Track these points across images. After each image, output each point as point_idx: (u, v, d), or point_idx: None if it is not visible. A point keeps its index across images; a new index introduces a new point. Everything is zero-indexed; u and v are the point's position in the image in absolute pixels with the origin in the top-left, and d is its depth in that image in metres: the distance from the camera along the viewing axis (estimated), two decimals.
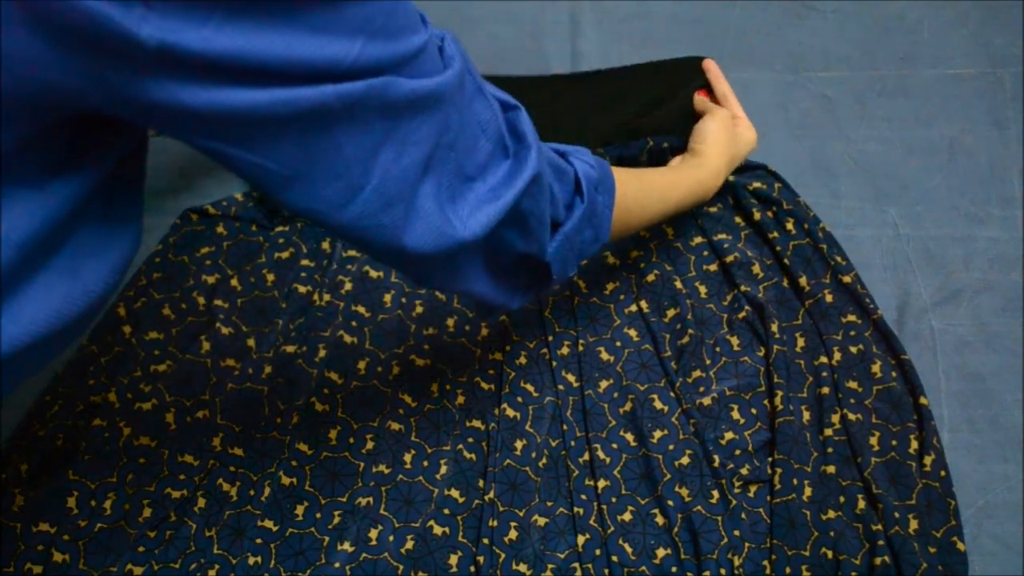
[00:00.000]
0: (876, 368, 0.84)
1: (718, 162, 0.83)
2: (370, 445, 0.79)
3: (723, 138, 0.85)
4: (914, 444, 0.81)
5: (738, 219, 0.93)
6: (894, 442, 0.81)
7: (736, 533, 0.76)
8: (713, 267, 0.90)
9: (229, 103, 0.40)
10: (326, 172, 0.46)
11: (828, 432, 0.80)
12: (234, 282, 0.87)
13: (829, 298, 0.88)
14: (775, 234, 0.90)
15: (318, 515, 0.76)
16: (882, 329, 0.86)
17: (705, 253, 0.91)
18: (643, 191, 0.74)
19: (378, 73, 0.44)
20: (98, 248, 0.46)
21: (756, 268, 0.90)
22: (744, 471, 0.79)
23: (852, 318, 0.87)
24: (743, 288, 0.88)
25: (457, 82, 0.49)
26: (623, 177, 0.69)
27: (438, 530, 0.75)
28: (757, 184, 0.93)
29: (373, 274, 0.89)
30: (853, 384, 0.83)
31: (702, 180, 0.81)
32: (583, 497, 0.78)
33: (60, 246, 0.43)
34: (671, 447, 0.79)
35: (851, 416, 0.81)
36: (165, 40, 0.36)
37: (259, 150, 0.44)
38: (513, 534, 0.75)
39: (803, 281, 0.88)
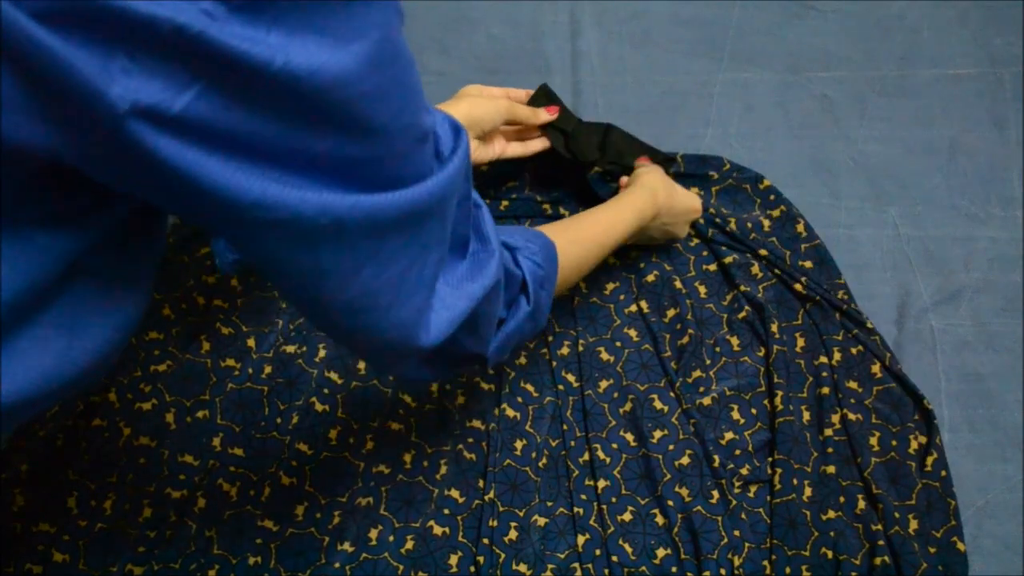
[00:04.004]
0: (876, 368, 0.84)
1: (653, 194, 0.82)
2: (370, 445, 0.79)
3: (657, 179, 0.84)
4: (914, 444, 0.81)
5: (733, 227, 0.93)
6: (894, 442, 0.81)
7: (736, 533, 0.76)
8: (713, 267, 0.90)
9: (209, 174, 0.37)
10: (298, 279, 0.44)
11: (828, 432, 0.80)
12: (234, 282, 0.87)
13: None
14: (765, 251, 0.90)
15: (318, 515, 0.76)
16: (881, 343, 0.86)
17: (705, 253, 0.91)
18: (582, 249, 0.72)
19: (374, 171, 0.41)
20: (100, 307, 0.44)
21: (755, 268, 0.89)
22: (744, 471, 0.79)
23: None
24: (743, 288, 0.88)
25: (451, 185, 0.47)
26: (564, 245, 0.68)
27: (438, 530, 0.75)
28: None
29: None
30: (853, 384, 0.83)
31: (640, 209, 0.80)
32: (583, 497, 0.78)
33: (51, 302, 0.42)
34: (671, 447, 0.79)
35: (851, 416, 0.81)
36: (139, 102, 0.33)
37: (231, 234, 0.41)
38: (513, 534, 0.75)
39: (798, 287, 0.88)
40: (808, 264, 0.90)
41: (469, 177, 0.50)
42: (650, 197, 0.82)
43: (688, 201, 0.87)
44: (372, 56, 0.37)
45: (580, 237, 0.73)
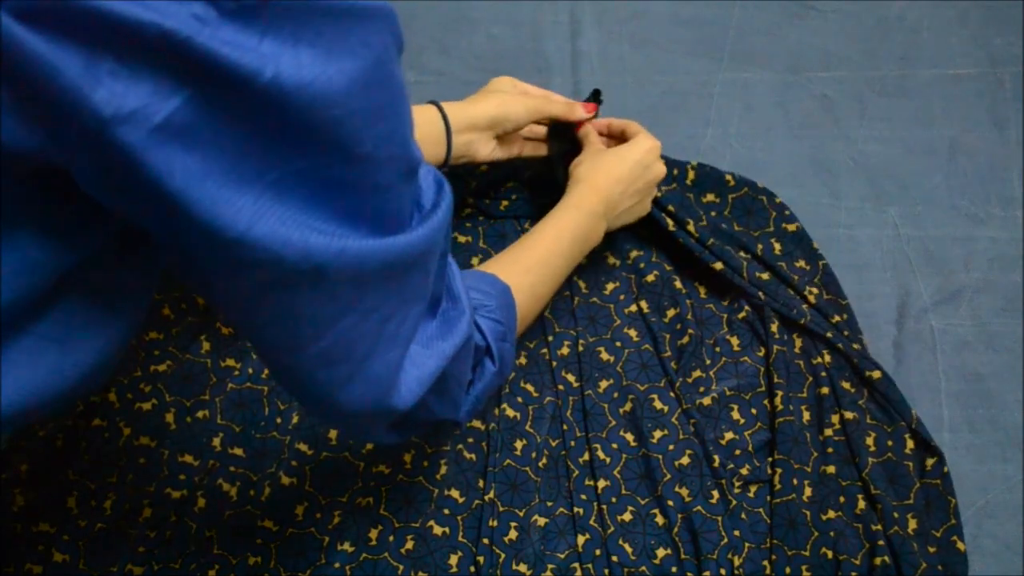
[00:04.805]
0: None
1: (589, 183, 0.78)
2: (370, 445, 0.79)
3: (586, 166, 0.80)
4: (910, 444, 0.81)
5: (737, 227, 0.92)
6: (890, 442, 0.81)
7: (736, 533, 0.76)
8: (713, 267, 0.90)
9: (194, 191, 0.35)
10: (272, 324, 0.43)
11: (828, 432, 0.80)
12: None
13: (813, 300, 0.87)
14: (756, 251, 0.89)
15: (318, 515, 0.76)
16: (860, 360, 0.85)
17: (705, 253, 0.91)
18: (537, 276, 0.71)
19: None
20: (94, 320, 0.43)
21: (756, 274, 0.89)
22: (744, 471, 0.79)
23: (846, 317, 0.87)
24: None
25: (434, 238, 0.46)
26: (519, 279, 0.67)
27: (438, 530, 0.75)
28: (712, 197, 0.93)
29: None
30: (847, 385, 0.84)
31: (581, 205, 0.76)
32: (583, 497, 0.78)
33: (43, 314, 0.41)
34: (671, 447, 0.79)
35: (848, 416, 0.81)
36: (124, 107, 0.33)
37: (208, 271, 0.41)
38: (513, 534, 0.75)
39: (790, 291, 0.88)
40: (814, 291, 0.88)
41: (449, 234, 0.49)
42: (587, 188, 0.77)
43: (631, 156, 0.79)
44: (363, 76, 0.37)
45: (532, 262, 0.72)
